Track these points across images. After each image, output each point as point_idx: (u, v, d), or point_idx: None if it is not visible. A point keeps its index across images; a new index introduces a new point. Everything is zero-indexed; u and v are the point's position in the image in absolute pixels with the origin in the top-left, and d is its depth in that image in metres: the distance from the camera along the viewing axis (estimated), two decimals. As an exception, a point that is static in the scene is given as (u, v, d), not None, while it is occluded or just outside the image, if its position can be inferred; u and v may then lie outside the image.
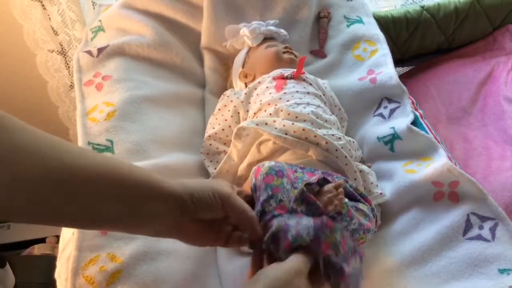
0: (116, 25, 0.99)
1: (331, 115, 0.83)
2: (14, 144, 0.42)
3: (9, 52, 1.20)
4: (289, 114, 0.77)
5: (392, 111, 0.88)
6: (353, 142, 0.82)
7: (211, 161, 0.84)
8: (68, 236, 0.69)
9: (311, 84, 0.87)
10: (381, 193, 0.76)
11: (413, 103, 0.93)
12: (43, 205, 0.43)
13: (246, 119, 0.85)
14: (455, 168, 0.75)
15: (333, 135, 0.75)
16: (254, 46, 0.97)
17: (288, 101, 0.80)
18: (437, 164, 0.75)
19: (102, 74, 0.89)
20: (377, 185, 0.78)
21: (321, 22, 1.07)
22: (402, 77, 1.29)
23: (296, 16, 1.07)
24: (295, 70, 0.88)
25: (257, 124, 0.75)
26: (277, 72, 0.89)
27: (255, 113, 0.83)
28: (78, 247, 0.62)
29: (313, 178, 0.62)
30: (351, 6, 1.09)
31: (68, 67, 1.21)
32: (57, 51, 1.18)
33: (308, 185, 0.59)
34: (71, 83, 1.23)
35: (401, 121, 0.84)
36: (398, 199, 0.76)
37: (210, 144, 0.85)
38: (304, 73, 0.88)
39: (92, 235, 0.63)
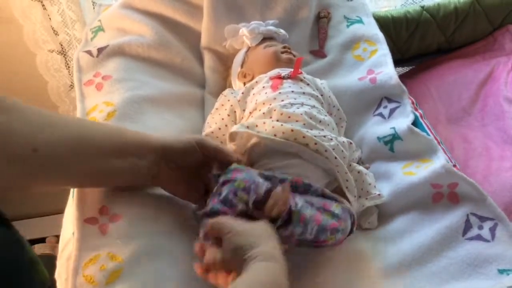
0: (116, 25, 0.99)
1: (326, 115, 0.82)
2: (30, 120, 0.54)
3: (9, 52, 1.20)
4: (281, 114, 0.77)
5: (392, 111, 0.88)
6: (350, 143, 0.81)
7: None
8: (68, 236, 0.70)
9: (308, 85, 0.87)
10: (379, 194, 0.76)
11: (413, 103, 0.93)
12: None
13: (242, 118, 0.85)
14: (454, 170, 0.75)
15: (324, 136, 0.75)
16: (253, 45, 0.97)
17: (282, 101, 0.80)
18: (435, 166, 0.75)
19: (102, 74, 0.89)
20: (374, 186, 0.78)
21: (321, 22, 1.08)
22: (402, 77, 1.29)
23: (296, 16, 1.07)
24: (293, 70, 0.88)
25: (247, 127, 0.76)
26: (274, 72, 0.89)
27: (250, 112, 0.83)
28: (78, 247, 0.62)
29: (261, 191, 0.65)
30: (351, 6, 1.09)
31: (68, 67, 1.21)
32: (57, 51, 1.18)
33: (256, 202, 0.64)
34: (71, 83, 1.23)
35: (402, 121, 0.84)
36: (396, 201, 0.76)
37: None
38: (301, 73, 0.88)
39: (92, 235, 0.63)
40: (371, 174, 0.81)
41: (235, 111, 0.87)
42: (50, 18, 1.13)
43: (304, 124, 0.76)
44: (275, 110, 0.78)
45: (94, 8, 1.16)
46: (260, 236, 0.56)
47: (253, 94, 0.86)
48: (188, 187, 0.70)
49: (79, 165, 0.59)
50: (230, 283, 0.53)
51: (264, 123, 0.76)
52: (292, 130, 0.73)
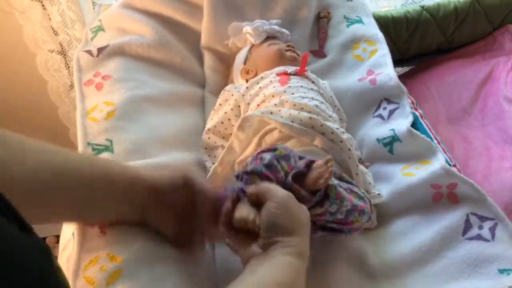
0: (116, 25, 0.99)
1: (333, 113, 0.83)
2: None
3: (9, 52, 1.20)
4: (294, 105, 0.77)
5: (391, 112, 0.88)
6: (353, 140, 0.82)
7: (209, 155, 0.84)
8: (68, 236, 0.69)
9: (313, 82, 0.87)
10: (378, 194, 0.76)
11: (413, 103, 0.93)
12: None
13: (247, 111, 0.84)
14: (453, 170, 0.75)
15: (337, 128, 0.76)
16: (257, 43, 0.97)
17: (293, 94, 0.80)
18: (434, 167, 0.75)
19: (102, 73, 0.88)
20: (374, 186, 0.78)
21: (321, 22, 1.08)
22: (402, 77, 1.29)
23: (295, 16, 1.07)
24: (298, 68, 0.88)
25: (262, 113, 0.75)
26: (279, 69, 0.89)
27: (258, 105, 0.82)
28: (78, 248, 0.62)
29: (300, 164, 0.62)
30: (351, 6, 1.09)
31: (68, 67, 1.21)
32: (57, 51, 1.18)
33: (296, 175, 0.61)
34: (71, 83, 1.23)
35: (401, 123, 0.84)
36: (396, 201, 0.76)
37: (209, 138, 0.85)
38: (307, 70, 0.89)
39: (92, 236, 0.63)
40: (370, 173, 0.81)
41: (239, 106, 0.86)
42: (50, 18, 1.13)
43: (318, 115, 0.76)
44: (287, 101, 0.78)
45: (94, 8, 1.16)
46: (302, 224, 0.53)
47: (259, 88, 0.85)
48: (179, 225, 0.63)
49: (60, 196, 0.54)
50: (250, 258, 0.52)
51: (279, 110, 0.75)
52: (310, 118, 0.73)
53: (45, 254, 0.34)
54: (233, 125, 0.84)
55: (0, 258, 0.27)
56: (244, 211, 0.55)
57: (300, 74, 0.87)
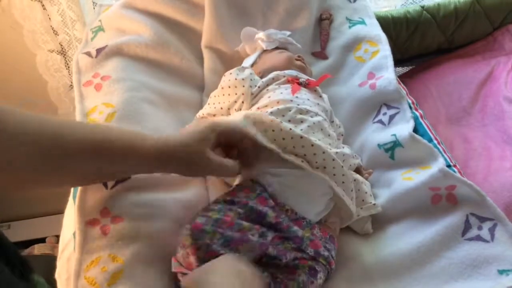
0: (116, 25, 0.99)
1: (333, 132, 0.81)
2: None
3: (9, 52, 1.20)
4: (297, 115, 0.76)
5: (391, 117, 0.88)
6: (348, 149, 0.81)
7: None
8: (68, 236, 0.70)
9: (320, 97, 0.86)
10: (374, 204, 0.76)
11: (413, 103, 0.93)
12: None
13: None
14: (451, 172, 0.75)
15: (330, 147, 0.74)
16: (268, 50, 0.97)
17: (298, 105, 0.78)
18: (433, 170, 0.75)
19: (101, 74, 0.88)
20: (370, 195, 0.77)
21: (323, 24, 1.07)
22: (402, 77, 1.29)
23: (297, 18, 1.07)
24: (309, 78, 0.87)
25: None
26: (291, 72, 0.88)
27: (258, 108, 0.80)
28: (80, 249, 0.62)
29: None
30: (354, 8, 1.08)
31: (68, 67, 1.21)
32: (57, 51, 1.18)
33: None
34: (71, 83, 1.23)
35: (402, 128, 0.84)
36: (395, 205, 0.76)
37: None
38: (318, 85, 0.87)
39: (93, 238, 0.63)
40: (368, 183, 0.80)
41: (242, 102, 0.83)
42: (50, 18, 1.13)
43: (317, 132, 0.75)
44: (290, 110, 0.76)
45: (94, 8, 1.16)
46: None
47: (267, 90, 0.83)
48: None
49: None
50: None
51: (281, 122, 0.71)
52: (301, 137, 0.70)
53: None
54: (229, 114, 0.84)
55: None
56: None
57: (311, 86, 0.85)
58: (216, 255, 0.59)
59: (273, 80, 0.85)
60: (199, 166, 0.64)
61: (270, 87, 0.84)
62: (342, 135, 0.90)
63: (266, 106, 0.79)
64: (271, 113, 0.75)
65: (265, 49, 0.97)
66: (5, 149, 0.50)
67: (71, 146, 0.56)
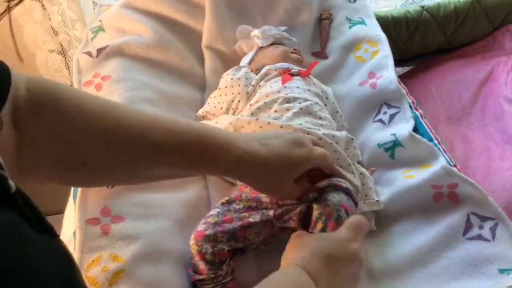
0: (116, 25, 0.99)
1: (327, 114, 0.82)
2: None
3: (9, 52, 1.20)
4: (285, 102, 0.78)
5: (392, 117, 0.88)
6: (351, 139, 0.81)
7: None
8: (69, 236, 0.70)
9: (314, 84, 0.87)
10: (377, 200, 0.75)
11: (413, 102, 0.93)
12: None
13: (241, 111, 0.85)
14: (453, 170, 0.75)
15: (319, 130, 0.75)
16: (264, 46, 0.97)
17: (286, 94, 0.81)
18: (435, 168, 0.75)
19: (102, 74, 0.88)
20: (374, 191, 0.77)
21: (323, 24, 1.08)
22: (402, 77, 1.29)
23: (297, 18, 1.07)
24: (302, 69, 0.88)
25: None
26: (283, 65, 0.89)
27: (251, 105, 0.82)
28: (80, 248, 0.62)
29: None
30: (354, 8, 1.08)
31: (68, 67, 1.21)
32: (57, 51, 1.18)
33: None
34: (71, 83, 1.23)
35: (402, 127, 0.84)
36: (397, 203, 0.76)
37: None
38: (310, 74, 0.88)
39: (94, 236, 0.63)
40: (372, 178, 0.80)
41: (239, 101, 0.85)
42: (50, 18, 1.13)
43: (306, 116, 0.77)
44: (276, 101, 0.79)
45: (94, 8, 1.16)
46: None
47: (259, 86, 0.86)
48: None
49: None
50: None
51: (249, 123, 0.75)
52: (281, 127, 0.73)
53: (65, 258, 0.33)
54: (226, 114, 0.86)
55: (14, 252, 0.27)
56: None
57: (303, 75, 0.86)
58: (225, 254, 0.63)
59: (265, 75, 0.87)
60: (281, 188, 0.61)
61: (261, 83, 0.86)
62: (347, 129, 0.90)
63: (257, 101, 0.82)
64: (258, 108, 0.79)
65: (261, 45, 0.97)
66: (74, 145, 0.49)
67: (156, 146, 0.52)
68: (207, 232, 0.64)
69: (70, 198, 0.77)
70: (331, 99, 0.89)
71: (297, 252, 0.53)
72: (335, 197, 0.61)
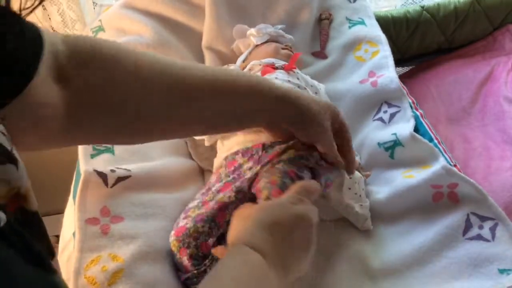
0: (116, 25, 0.99)
1: None
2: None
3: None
4: None
5: (392, 116, 0.88)
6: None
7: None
8: (68, 236, 0.70)
9: (298, 79, 0.87)
10: (361, 205, 0.75)
11: (413, 102, 0.93)
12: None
13: None
14: (454, 170, 0.74)
15: None
16: (258, 44, 0.97)
17: None
18: (435, 168, 0.75)
19: (102, 74, 0.88)
20: (360, 196, 0.76)
21: (323, 24, 1.08)
22: (402, 77, 1.29)
23: (297, 18, 1.07)
24: (287, 63, 0.88)
25: None
26: (269, 60, 0.89)
27: None
28: (80, 248, 0.62)
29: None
30: (353, 8, 1.08)
31: (68, 67, 1.21)
32: (57, 51, 1.18)
33: None
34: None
35: (403, 127, 0.83)
36: (396, 202, 0.76)
37: None
38: (295, 67, 0.87)
39: (93, 236, 0.63)
40: (362, 181, 0.79)
41: None
42: (50, 18, 1.13)
43: None
44: None
45: (94, 8, 1.16)
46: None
47: None
48: None
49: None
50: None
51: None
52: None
53: None
54: None
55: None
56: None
57: (287, 69, 0.86)
58: (209, 246, 0.62)
59: (249, 70, 0.88)
60: (317, 127, 0.61)
61: None
62: None
63: None
64: None
65: (256, 44, 0.97)
66: (138, 96, 0.49)
67: (193, 88, 0.53)
68: (188, 226, 0.64)
69: (70, 198, 0.77)
70: (321, 94, 0.88)
71: (240, 227, 0.50)
72: (285, 167, 0.62)
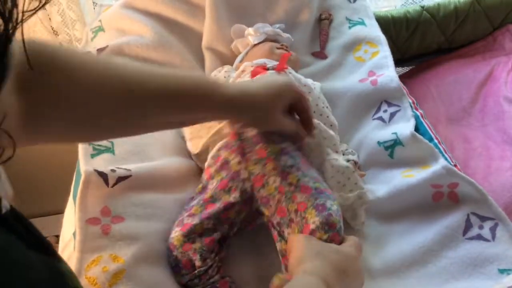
0: (116, 25, 0.99)
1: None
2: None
3: (9, 52, 1.19)
4: None
5: (392, 115, 0.88)
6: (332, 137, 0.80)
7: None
8: (68, 236, 0.70)
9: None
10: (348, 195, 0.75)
11: (413, 102, 0.93)
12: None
13: None
14: (454, 170, 0.75)
15: None
16: (256, 44, 0.97)
17: None
18: (435, 167, 0.75)
19: (102, 74, 0.88)
20: (344, 185, 0.75)
21: (322, 24, 1.07)
22: (402, 77, 1.29)
23: (297, 18, 1.07)
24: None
25: None
26: (261, 61, 0.89)
27: None
28: (80, 248, 0.62)
29: None
30: (353, 8, 1.08)
31: (68, 67, 1.21)
32: (57, 51, 1.18)
33: None
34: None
35: (404, 127, 0.83)
36: (396, 202, 0.76)
37: None
38: (287, 68, 0.87)
39: (94, 236, 0.63)
40: (352, 173, 0.78)
41: None
42: (50, 18, 1.13)
43: None
44: None
45: (94, 8, 1.16)
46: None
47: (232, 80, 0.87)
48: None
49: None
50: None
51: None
52: None
53: (61, 278, 0.32)
54: None
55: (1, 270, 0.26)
56: None
57: (278, 70, 0.85)
58: (213, 241, 0.65)
59: (242, 72, 0.87)
60: (273, 119, 0.65)
61: (237, 80, 0.86)
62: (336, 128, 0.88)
63: None
64: None
65: (253, 43, 0.97)
66: (83, 103, 0.50)
67: (144, 97, 0.56)
68: (194, 222, 0.65)
69: (70, 198, 0.77)
70: (315, 94, 0.86)
71: (313, 259, 0.54)
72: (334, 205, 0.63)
